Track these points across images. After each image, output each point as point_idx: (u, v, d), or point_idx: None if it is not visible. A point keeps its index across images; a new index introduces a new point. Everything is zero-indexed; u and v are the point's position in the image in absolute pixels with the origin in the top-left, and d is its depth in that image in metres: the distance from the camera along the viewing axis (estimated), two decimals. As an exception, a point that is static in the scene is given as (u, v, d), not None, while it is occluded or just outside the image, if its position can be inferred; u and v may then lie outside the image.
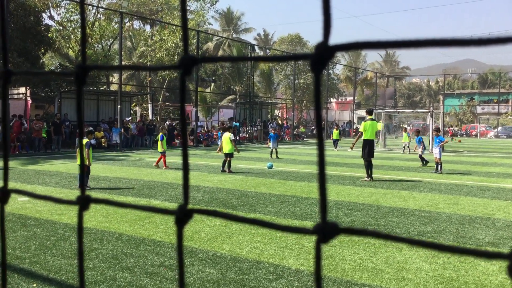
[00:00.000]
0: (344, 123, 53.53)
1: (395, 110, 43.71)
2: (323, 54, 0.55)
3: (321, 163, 0.59)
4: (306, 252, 6.04)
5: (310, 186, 11.92)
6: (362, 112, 58.94)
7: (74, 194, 10.80)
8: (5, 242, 0.73)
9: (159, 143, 16.12)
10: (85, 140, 11.27)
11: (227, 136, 15.02)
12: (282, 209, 8.93)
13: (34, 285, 4.82)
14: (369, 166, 13.03)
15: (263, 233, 6.86)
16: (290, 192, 10.91)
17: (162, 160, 16.08)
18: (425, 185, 12.45)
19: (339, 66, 64.16)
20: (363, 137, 13.24)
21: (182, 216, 0.67)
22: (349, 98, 67.04)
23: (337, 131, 27.35)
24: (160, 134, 16.54)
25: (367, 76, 67.60)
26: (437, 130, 16.60)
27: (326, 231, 0.55)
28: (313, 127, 35.83)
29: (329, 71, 51.86)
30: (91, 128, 13.18)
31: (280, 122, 46.47)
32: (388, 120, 45.16)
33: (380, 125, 34.78)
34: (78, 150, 11.22)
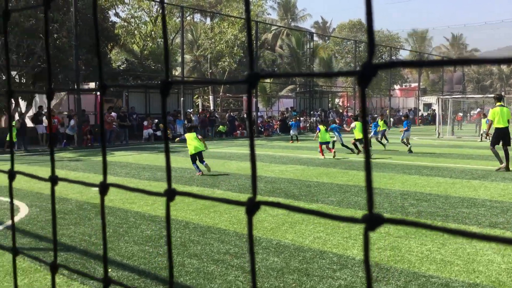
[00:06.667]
0: (408, 110, 51.78)
1: (463, 96, 41.69)
2: (368, 72, 0.62)
3: (368, 162, 0.61)
4: (370, 243, 5.96)
5: (373, 176, 11.68)
6: (427, 99, 56.73)
7: (143, 184, 11.29)
8: (105, 230, 0.81)
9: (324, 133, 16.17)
10: (192, 134, 12.17)
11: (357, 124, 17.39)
12: (345, 199, 8.85)
13: (109, 269, 5.13)
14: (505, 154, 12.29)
15: (326, 223, 6.84)
16: (352, 182, 10.77)
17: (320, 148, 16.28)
18: (497, 174, 11.84)
19: (403, 52, 61.91)
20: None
21: (252, 207, 0.73)
22: (414, 84, 64.70)
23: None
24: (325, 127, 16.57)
25: (433, 61, 64.68)
26: None
27: (372, 221, 0.62)
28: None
29: (392, 57, 50.18)
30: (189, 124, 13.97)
31: (340, 110, 45.79)
32: (456, 107, 43.13)
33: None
34: (192, 140, 12.02)
